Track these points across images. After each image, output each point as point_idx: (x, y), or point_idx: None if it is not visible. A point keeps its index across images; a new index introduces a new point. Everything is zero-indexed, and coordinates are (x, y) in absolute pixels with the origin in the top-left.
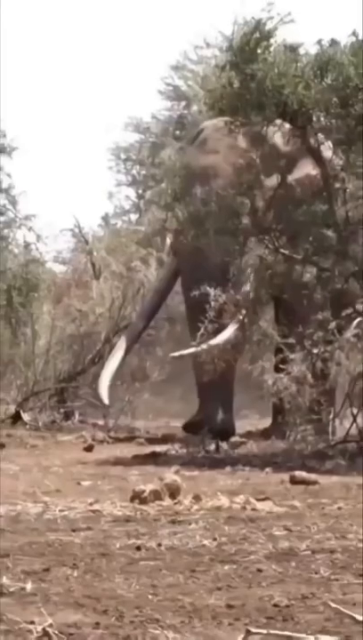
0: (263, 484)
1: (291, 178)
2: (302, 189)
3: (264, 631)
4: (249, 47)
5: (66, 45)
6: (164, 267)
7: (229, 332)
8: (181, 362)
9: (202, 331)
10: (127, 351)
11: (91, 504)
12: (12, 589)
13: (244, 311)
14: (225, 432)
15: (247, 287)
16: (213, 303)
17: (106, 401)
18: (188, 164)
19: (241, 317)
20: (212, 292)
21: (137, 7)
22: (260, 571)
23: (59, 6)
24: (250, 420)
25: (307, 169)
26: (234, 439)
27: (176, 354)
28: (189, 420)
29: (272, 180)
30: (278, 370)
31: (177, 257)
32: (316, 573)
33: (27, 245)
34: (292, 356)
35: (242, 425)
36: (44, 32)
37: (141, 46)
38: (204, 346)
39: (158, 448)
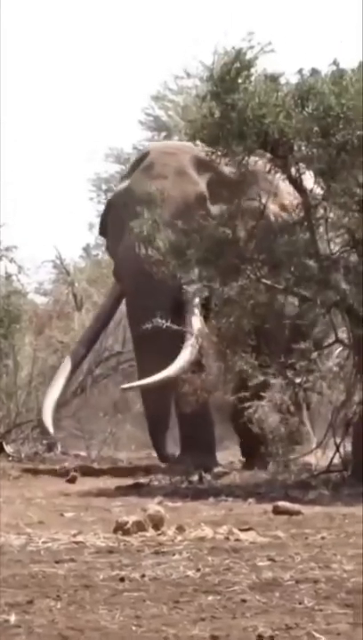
0: (246, 514)
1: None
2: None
3: None
4: (230, 77)
5: (45, 75)
6: (107, 294)
7: (181, 361)
8: None
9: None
10: (69, 379)
11: (74, 535)
12: None
13: (198, 340)
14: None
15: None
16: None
17: (51, 430)
18: (131, 189)
19: (195, 346)
20: (161, 322)
21: (117, 37)
22: (244, 601)
23: (40, 35)
24: (232, 451)
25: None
26: (217, 470)
27: (126, 386)
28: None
29: (218, 209)
30: (258, 397)
31: (121, 283)
32: (300, 603)
33: (8, 277)
34: (272, 381)
35: (224, 456)
36: (26, 59)
37: (121, 76)
38: (158, 376)
39: (141, 479)
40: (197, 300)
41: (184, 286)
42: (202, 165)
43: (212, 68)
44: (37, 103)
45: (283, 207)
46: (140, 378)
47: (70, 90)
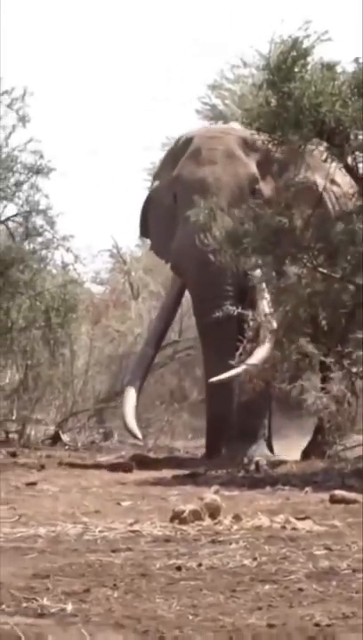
0: (303, 503)
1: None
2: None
3: None
4: (286, 65)
5: (103, 65)
6: (168, 288)
7: (264, 350)
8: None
9: (240, 350)
10: (142, 381)
11: (131, 524)
12: (52, 610)
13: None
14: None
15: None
16: (251, 323)
17: (139, 436)
18: (182, 178)
19: (274, 336)
20: (234, 310)
21: (174, 28)
22: (300, 590)
23: (100, 29)
24: (290, 440)
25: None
26: (273, 459)
27: (216, 379)
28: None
29: (269, 185)
30: (314, 386)
31: (182, 276)
32: (357, 592)
33: (65, 266)
34: (332, 375)
35: (281, 445)
36: (84, 52)
37: (178, 66)
38: (243, 366)
39: (198, 468)
40: (264, 285)
41: (249, 272)
42: (249, 146)
43: (268, 57)
44: (94, 91)
45: (338, 195)
46: (209, 368)
47: (127, 78)
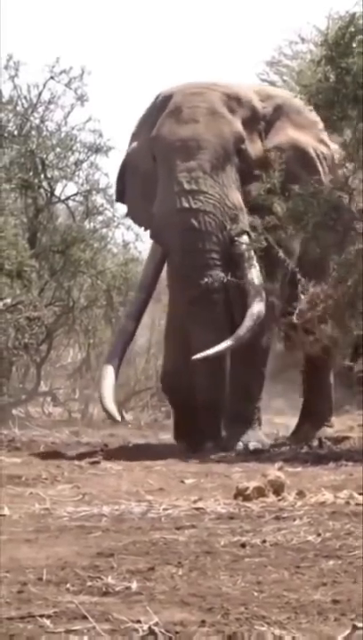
0: None
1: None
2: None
3: None
4: (344, 41)
5: (161, 43)
6: (147, 259)
7: (250, 320)
8: (281, 359)
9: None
10: (121, 358)
11: (194, 502)
12: (117, 589)
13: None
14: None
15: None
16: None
17: (118, 418)
18: (162, 136)
19: (262, 302)
20: (222, 275)
21: (230, 5)
22: None
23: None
24: (352, 415)
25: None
26: (337, 434)
27: (199, 355)
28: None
29: (255, 145)
30: None
31: (163, 244)
32: None
33: (125, 244)
34: None
35: (343, 420)
36: (141, 32)
37: (236, 43)
38: (230, 340)
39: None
40: (252, 254)
41: (236, 238)
42: (234, 103)
43: (326, 33)
44: (153, 69)
45: (326, 156)
46: (197, 344)
47: (186, 59)
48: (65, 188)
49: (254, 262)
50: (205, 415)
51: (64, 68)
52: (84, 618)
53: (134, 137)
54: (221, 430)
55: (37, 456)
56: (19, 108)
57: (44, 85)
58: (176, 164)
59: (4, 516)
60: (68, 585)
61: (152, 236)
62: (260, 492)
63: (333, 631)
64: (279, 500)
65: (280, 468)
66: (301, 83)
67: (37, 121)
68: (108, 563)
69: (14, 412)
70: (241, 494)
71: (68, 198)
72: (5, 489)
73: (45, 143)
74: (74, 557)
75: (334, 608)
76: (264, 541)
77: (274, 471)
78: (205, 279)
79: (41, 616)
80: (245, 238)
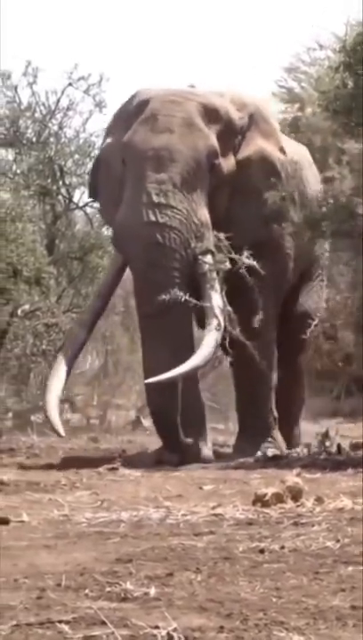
0: None
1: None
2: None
3: None
4: (362, 48)
5: (179, 50)
6: (108, 265)
7: (208, 347)
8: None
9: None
10: (70, 367)
11: (213, 508)
12: (136, 594)
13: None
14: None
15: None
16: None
17: (62, 432)
18: (134, 143)
19: (220, 328)
20: (180, 294)
21: (249, 10)
22: None
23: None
24: None
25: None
26: (355, 441)
27: (151, 380)
28: None
29: (229, 161)
30: None
31: (124, 254)
32: None
33: None
34: None
35: (358, 427)
36: (159, 37)
37: (254, 49)
38: (185, 367)
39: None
40: (215, 275)
41: (200, 257)
42: (210, 115)
43: (344, 40)
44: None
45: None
46: (148, 364)
47: (205, 61)
48: (83, 195)
49: (216, 284)
50: (158, 425)
51: (82, 75)
52: (103, 623)
53: (109, 133)
54: (179, 438)
55: (56, 462)
56: (37, 115)
57: (63, 92)
58: (146, 175)
59: (23, 522)
60: (86, 591)
61: (114, 244)
62: (278, 498)
63: (351, 637)
64: (298, 506)
65: (298, 474)
66: (319, 89)
67: (56, 127)
68: (127, 568)
69: (33, 418)
70: (260, 500)
71: (86, 205)
72: (24, 495)
73: (64, 150)
74: (92, 563)
75: (353, 614)
76: (283, 547)
77: (292, 477)
78: (163, 296)
79: (60, 622)
80: (209, 258)
